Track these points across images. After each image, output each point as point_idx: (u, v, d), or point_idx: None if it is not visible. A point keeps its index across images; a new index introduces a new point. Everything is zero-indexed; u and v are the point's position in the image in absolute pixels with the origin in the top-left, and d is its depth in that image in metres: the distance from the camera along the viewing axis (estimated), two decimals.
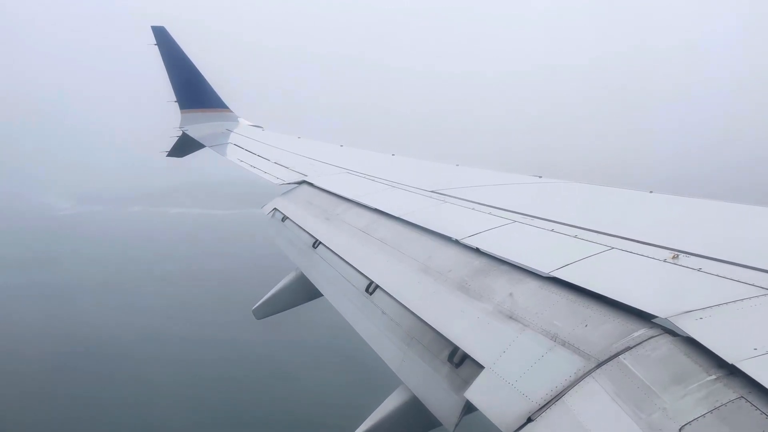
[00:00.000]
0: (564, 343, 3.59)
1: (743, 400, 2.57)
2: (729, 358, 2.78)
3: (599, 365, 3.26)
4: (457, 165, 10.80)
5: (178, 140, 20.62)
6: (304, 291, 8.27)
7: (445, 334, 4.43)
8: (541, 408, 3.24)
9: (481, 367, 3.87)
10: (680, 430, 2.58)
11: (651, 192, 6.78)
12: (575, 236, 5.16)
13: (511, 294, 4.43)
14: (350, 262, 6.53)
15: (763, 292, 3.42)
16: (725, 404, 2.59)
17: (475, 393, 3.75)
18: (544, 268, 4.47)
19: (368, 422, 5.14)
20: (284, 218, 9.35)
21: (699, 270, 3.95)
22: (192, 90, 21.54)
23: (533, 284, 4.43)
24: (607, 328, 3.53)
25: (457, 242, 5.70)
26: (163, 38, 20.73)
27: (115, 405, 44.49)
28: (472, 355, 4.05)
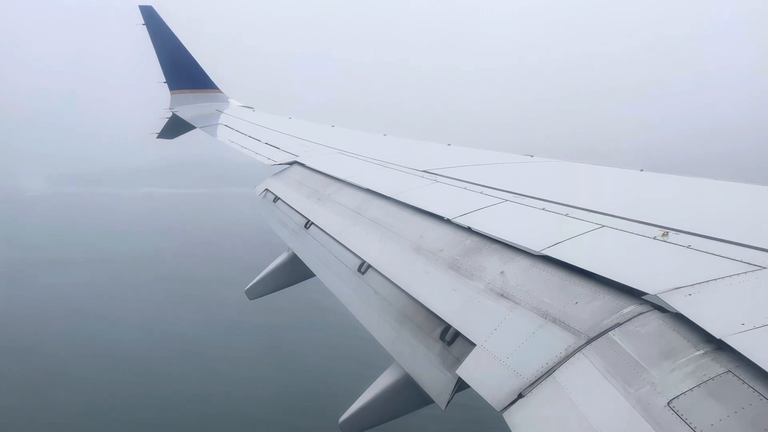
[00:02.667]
0: (555, 321, 3.63)
1: (730, 374, 2.60)
2: (717, 333, 2.81)
3: (589, 341, 3.29)
4: (449, 145, 10.79)
5: (168, 122, 20.40)
6: (296, 271, 8.29)
7: (437, 313, 4.46)
8: (531, 384, 3.28)
9: (473, 345, 3.90)
10: (668, 403, 2.62)
11: (641, 170, 6.80)
12: (566, 215, 5.18)
13: (502, 272, 4.45)
14: (342, 242, 6.53)
15: (751, 268, 3.45)
16: (713, 378, 2.63)
17: (466, 370, 3.79)
18: (536, 247, 4.49)
19: (361, 400, 5.19)
20: (276, 199, 9.33)
21: (688, 247, 3.98)
22: (181, 70, 21.26)
23: (524, 262, 4.45)
24: (597, 305, 3.56)
25: (448, 221, 5.71)
26: (151, 18, 20.39)
27: (101, 393, 44.04)
28: (463, 333, 4.08)
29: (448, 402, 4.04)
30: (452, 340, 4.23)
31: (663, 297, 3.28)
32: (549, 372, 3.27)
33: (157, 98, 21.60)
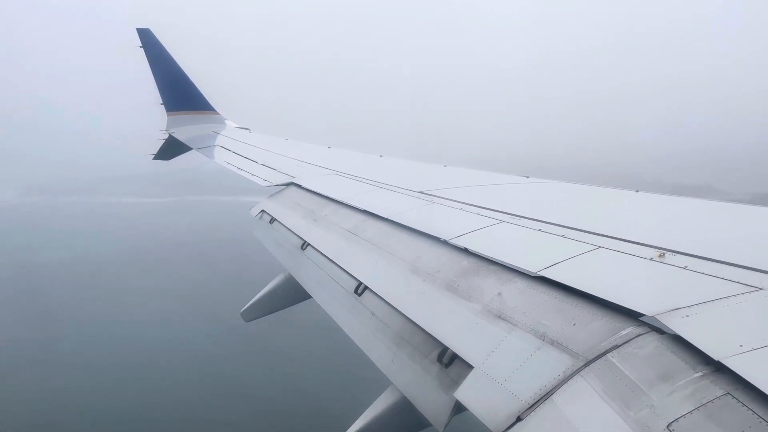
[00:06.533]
0: (552, 342, 3.61)
1: (729, 397, 2.59)
2: (715, 355, 2.81)
3: (587, 364, 3.28)
4: (445, 166, 10.83)
5: (164, 143, 20.49)
6: (292, 293, 8.25)
7: (434, 335, 4.43)
8: (530, 407, 3.25)
9: (471, 367, 3.88)
10: (668, 426, 2.60)
11: (637, 191, 6.84)
12: (563, 236, 5.19)
13: (499, 294, 4.44)
14: (339, 264, 6.52)
15: (748, 289, 3.45)
16: (712, 401, 2.61)
17: (464, 393, 3.75)
18: (533, 268, 4.49)
19: (358, 423, 5.13)
20: (272, 220, 9.32)
21: (685, 268, 3.98)
22: (178, 92, 21.41)
23: (522, 284, 4.45)
24: (594, 327, 3.55)
25: (445, 242, 5.71)
26: (148, 40, 20.61)
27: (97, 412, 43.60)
28: (461, 355, 4.05)
29: (446, 425, 4.00)
30: (450, 362, 4.20)
31: (660, 318, 3.28)
32: (547, 394, 3.25)
33: (154, 120, 21.71)
